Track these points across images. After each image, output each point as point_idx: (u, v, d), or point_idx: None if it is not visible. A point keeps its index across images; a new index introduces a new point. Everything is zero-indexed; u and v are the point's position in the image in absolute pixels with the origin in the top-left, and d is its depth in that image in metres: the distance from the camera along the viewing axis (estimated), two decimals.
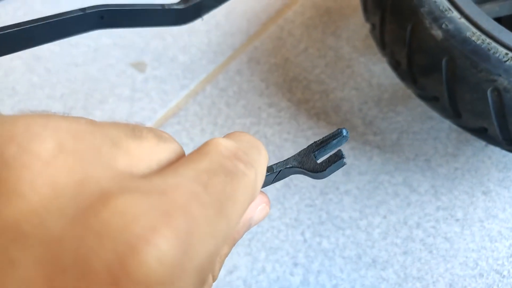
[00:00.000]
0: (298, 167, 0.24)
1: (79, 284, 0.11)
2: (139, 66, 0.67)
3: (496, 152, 0.56)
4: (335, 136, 0.24)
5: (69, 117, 0.15)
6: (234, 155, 0.17)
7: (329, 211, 0.54)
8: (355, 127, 0.59)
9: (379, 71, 0.63)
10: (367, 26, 0.55)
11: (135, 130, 0.16)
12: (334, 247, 0.52)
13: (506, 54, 0.40)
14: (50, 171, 0.13)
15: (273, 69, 0.65)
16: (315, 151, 0.24)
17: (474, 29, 0.42)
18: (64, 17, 0.31)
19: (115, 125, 0.16)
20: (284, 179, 0.25)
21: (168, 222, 0.13)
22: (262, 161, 0.20)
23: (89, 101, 0.64)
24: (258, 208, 0.23)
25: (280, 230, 0.53)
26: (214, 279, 0.20)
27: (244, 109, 0.62)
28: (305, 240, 0.52)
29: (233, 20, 0.71)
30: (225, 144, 0.18)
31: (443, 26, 0.42)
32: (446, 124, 0.58)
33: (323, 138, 0.24)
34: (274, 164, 0.24)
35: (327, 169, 0.23)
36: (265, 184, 0.24)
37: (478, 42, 0.41)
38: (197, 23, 0.70)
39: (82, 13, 0.31)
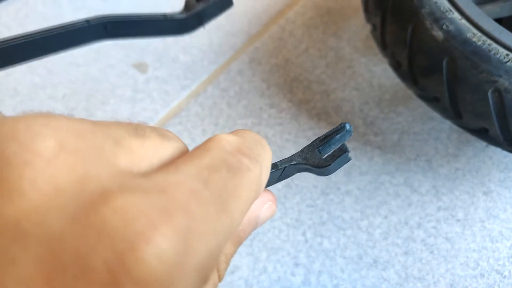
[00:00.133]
0: (303, 163, 0.24)
1: (78, 283, 0.11)
2: (141, 67, 0.67)
3: (497, 153, 0.56)
4: (338, 131, 0.24)
5: (71, 117, 0.15)
6: (238, 150, 0.17)
7: (330, 212, 0.54)
8: (356, 128, 0.59)
9: (380, 72, 0.64)
10: (368, 27, 0.55)
11: (138, 129, 0.16)
12: (335, 247, 0.52)
13: (507, 55, 0.40)
14: (51, 169, 0.13)
15: (274, 70, 0.65)
16: (319, 147, 0.24)
17: (474, 30, 0.42)
18: (69, 28, 0.31)
19: (118, 124, 0.16)
20: (286, 179, 0.25)
21: (168, 220, 0.13)
22: (267, 156, 0.20)
23: (91, 102, 0.64)
24: (264, 206, 0.23)
25: (281, 230, 0.53)
26: (220, 279, 0.20)
27: (245, 110, 0.62)
28: (306, 240, 0.52)
29: (234, 20, 0.71)
30: (229, 140, 0.17)
31: (444, 27, 0.42)
32: (447, 124, 0.58)
33: (326, 133, 0.24)
34: (278, 161, 0.24)
35: (331, 164, 0.23)
36: (270, 183, 0.24)
37: (479, 43, 0.41)
38: None
39: (86, 24, 0.32)
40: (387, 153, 0.57)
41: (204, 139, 0.67)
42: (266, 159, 0.19)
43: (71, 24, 0.31)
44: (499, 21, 0.45)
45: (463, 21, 0.42)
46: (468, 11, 0.43)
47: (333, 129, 0.24)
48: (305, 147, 0.24)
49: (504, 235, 0.52)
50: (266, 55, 0.67)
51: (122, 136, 0.15)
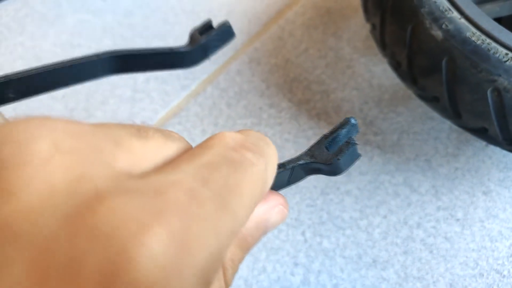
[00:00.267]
0: (311, 162, 0.23)
1: (69, 287, 0.11)
2: None
3: (497, 152, 0.56)
4: (343, 126, 0.23)
5: (70, 119, 0.15)
6: (241, 145, 0.17)
7: (329, 211, 0.54)
8: None
9: (379, 72, 0.64)
10: (367, 27, 0.55)
11: (140, 130, 0.16)
12: (334, 247, 0.52)
13: (506, 54, 0.40)
14: (46, 170, 0.13)
15: (273, 70, 0.65)
16: (326, 144, 0.23)
17: (474, 30, 0.42)
18: (78, 62, 0.32)
19: (120, 125, 0.15)
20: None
21: (161, 221, 0.12)
22: (272, 152, 0.19)
23: (90, 102, 0.64)
24: (274, 210, 0.22)
25: (281, 230, 0.53)
26: (227, 285, 0.19)
27: (245, 110, 0.62)
28: (305, 240, 0.52)
29: (233, 20, 0.71)
30: (232, 136, 0.17)
31: (443, 26, 0.42)
32: (447, 124, 0.58)
33: (331, 129, 0.23)
34: (285, 161, 0.23)
35: (340, 159, 0.22)
36: (280, 186, 0.23)
37: (478, 42, 0.41)
38: (197, 24, 0.71)
39: (96, 58, 0.32)
40: (386, 152, 0.57)
41: (203, 139, 0.67)
42: (271, 155, 0.19)
43: (80, 59, 0.32)
44: (498, 20, 0.45)
45: (463, 21, 0.42)
46: (467, 11, 0.43)
47: (338, 124, 0.23)
48: (311, 146, 0.23)
49: (503, 235, 0.52)
50: (266, 55, 0.67)
51: (123, 137, 0.15)
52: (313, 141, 0.63)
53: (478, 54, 0.41)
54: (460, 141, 0.57)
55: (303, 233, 0.53)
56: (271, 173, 0.19)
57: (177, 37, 0.70)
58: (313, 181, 0.55)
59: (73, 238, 0.12)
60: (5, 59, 0.68)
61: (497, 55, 0.40)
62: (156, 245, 0.12)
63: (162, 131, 0.17)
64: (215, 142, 0.17)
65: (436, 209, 0.53)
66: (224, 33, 0.33)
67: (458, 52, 0.42)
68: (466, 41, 0.41)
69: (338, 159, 0.22)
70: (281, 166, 0.23)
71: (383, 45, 0.50)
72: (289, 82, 0.64)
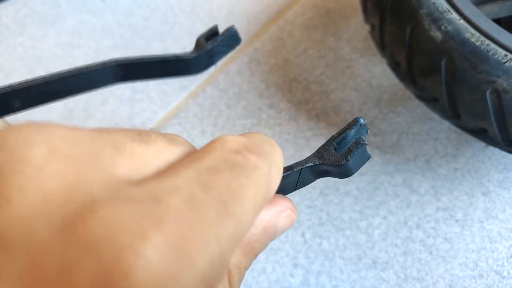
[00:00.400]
0: (319, 164, 0.22)
1: None
2: None
3: (496, 153, 0.56)
4: (352, 126, 0.22)
5: (68, 125, 0.14)
6: (244, 148, 0.16)
7: (329, 212, 0.54)
8: None
9: (379, 72, 0.64)
10: (367, 27, 0.55)
11: (142, 134, 0.15)
12: (334, 248, 0.52)
13: (506, 55, 0.40)
14: (40, 177, 0.12)
15: (273, 70, 0.65)
16: (334, 145, 0.22)
17: (473, 31, 0.42)
18: (83, 71, 0.31)
19: (121, 130, 0.15)
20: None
21: (158, 228, 0.12)
22: (276, 154, 0.18)
23: (90, 103, 0.64)
24: (282, 215, 0.21)
25: None
26: None
27: (245, 110, 0.62)
28: (305, 241, 0.52)
29: (233, 21, 0.71)
30: (234, 139, 0.17)
31: (442, 27, 0.42)
32: (446, 125, 0.58)
33: (340, 130, 0.23)
34: (293, 163, 0.22)
35: (350, 160, 0.21)
36: (288, 189, 0.23)
37: (477, 43, 0.41)
38: (197, 24, 0.71)
39: (101, 66, 0.32)
40: (386, 153, 0.57)
41: (203, 139, 0.67)
42: (276, 157, 0.18)
43: (86, 67, 0.31)
44: (497, 21, 0.45)
45: (462, 22, 0.42)
46: (466, 12, 0.43)
47: (347, 125, 0.23)
48: (319, 147, 0.23)
49: (503, 236, 0.52)
50: (265, 56, 0.67)
51: (124, 142, 0.14)
52: (312, 142, 0.64)
53: (477, 55, 0.41)
54: (459, 142, 0.57)
55: (302, 234, 0.53)
56: (276, 175, 0.18)
57: (176, 37, 0.70)
58: (313, 182, 0.55)
59: (66, 248, 0.11)
60: (5, 60, 0.68)
61: (496, 56, 0.40)
62: (152, 253, 0.11)
63: (165, 135, 0.16)
64: (217, 146, 0.16)
65: (436, 210, 0.53)
66: (230, 39, 0.33)
67: (457, 53, 0.42)
68: (465, 42, 0.41)
69: (348, 160, 0.21)
70: (288, 169, 0.22)
71: (382, 45, 0.50)
72: (289, 82, 0.64)
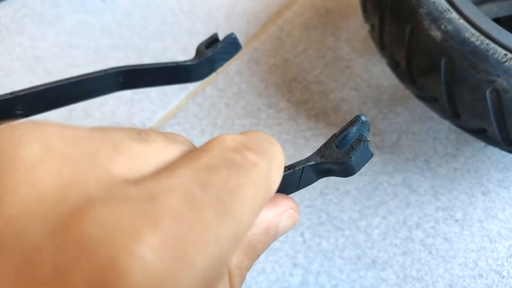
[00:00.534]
0: (321, 162, 0.22)
1: None
2: None
3: (496, 153, 0.56)
4: (354, 123, 0.22)
5: (66, 124, 0.14)
6: (243, 146, 0.16)
7: (328, 212, 0.54)
8: None
9: (378, 72, 0.63)
10: (366, 27, 0.55)
11: (142, 133, 0.15)
12: (333, 248, 0.52)
13: (505, 55, 0.40)
14: (34, 176, 0.12)
15: (272, 70, 0.65)
16: (336, 144, 0.22)
17: (473, 30, 0.42)
18: (85, 78, 0.31)
19: (120, 129, 0.15)
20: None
21: (154, 228, 0.12)
22: (276, 152, 0.18)
23: (89, 103, 0.64)
24: (284, 214, 0.20)
25: None
26: None
27: (244, 110, 0.62)
28: (304, 241, 0.52)
29: (232, 20, 0.71)
30: (232, 137, 0.16)
31: (442, 27, 0.42)
32: (446, 124, 0.58)
33: (341, 128, 0.22)
34: (295, 162, 0.22)
35: (352, 157, 0.21)
36: (290, 189, 0.22)
37: (477, 43, 0.41)
38: (196, 24, 0.70)
39: (103, 74, 0.32)
40: (385, 153, 0.57)
41: (202, 139, 0.67)
42: (276, 155, 0.18)
43: (88, 74, 0.31)
44: (497, 20, 0.45)
45: (461, 21, 0.42)
46: (466, 11, 0.43)
47: (348, 122, 0.22)
48: (321, 146, 0.22)
49: (502, 235, 0.51)
50: (265, 55, 0.67)
51: (123, 140, 0.14)
52: (312, 141, 0.63)
53: (477, 55, 0.41)
54: (459, 141, 0.57)
55: (302, 234, 0.53)
56: (276, 174, 0.18)
57: (175, 37, 0.70)
58: None
59: (60, 248, 0.11)
60: (4, 59, 0.68)
61: (496, 55, 0.40)
62: (148, 254, 0.11)
63: (165, 134, 0.16)
64: (215, 145, 0.16)
65: (435, 210, 0.53)
66: (230, 46, 0.33)
67: (457, 53, 0.41)
68: (465, 42, 0.41)
69: (350, 157, 0.21)
70: (289, 167, 0.21)
71: (381, 45, 0.50)
72: (288, 82, 0.64)
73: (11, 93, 0.31)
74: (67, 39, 0.70)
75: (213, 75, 0.35)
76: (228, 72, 0.65)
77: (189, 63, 0.33)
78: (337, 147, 0.22)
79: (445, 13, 0.43)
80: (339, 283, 0.50)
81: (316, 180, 0.23)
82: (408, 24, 0.45)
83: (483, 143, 0.56)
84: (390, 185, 0.55)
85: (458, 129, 0.49)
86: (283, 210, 0.20)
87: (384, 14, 0.48)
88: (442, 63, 0.42)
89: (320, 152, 0.22)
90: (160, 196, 0.13)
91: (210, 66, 0.33)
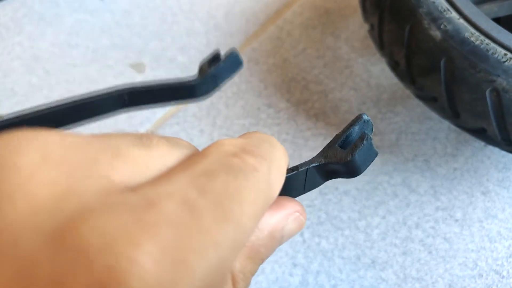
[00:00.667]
0: (325, 163, 0.21)
1: None
2: (138, 67, 0.67)
3: (495, 152, 0.56)
4: (356, 123, 0.22)
5: (64, 132, 0.14)
6: (242, 150, 0.16)
7: (328, 212, 0.54)
8: None
9: (378, 72, 0.63)
10: (366, 27, 0.55)
11: (143, 138, 0.15)
12: (333, 248, 0.52)
13: (505, 54, 0.40)
14: (31, 185, 0.12)
15: (272, 70, 0.65)
16: (339, 144, 0.22)
17: (472, 30, 0.42)
18: (88, 100, 0.32)
19: (120, 135, 0.15)
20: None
21: (152, 236, 0.11)
22: (277, 154, 0.18)
23: None
24: (290, 218, 0.20)
25: None
26: None
27: (243, 110, 0.62)
28: (304, 241, 0.52)
29: (231, 20, 0.71)
30: (231, 142, 0.16)
31: (442, 26, 0.42)
32: (445, 124, 0.58)
33: (344, 128, 0.22)
34: (298, 164, 0.21)
35: (356, 155, 0.20)
36: (296, 192, 0.22)
37: (477, 42, 0.41)
38: (196, 24, 0.70)
39: (107, 95, 0.32)
40: (385, 153, 0.57)
41: (201, 139, 0.67)
42: (277, 157, 0.18)
43: (93, 94, 0.32)
44: (497, 20, 0.45)
45: (461, 21, 0.42)
46: (466, 11, 0.42)
47: (350, 121, 0.22)
48: (324, 147, 0.22)
49: (502, 235, 0.51)
50: (264, 55, 0.66)
51: (123, 146, 0.14)
52: (311, 141, 0.63)
53: (477, 55, 0.41)
54: (458, 141, 0.57)
55: (301, 234, 0.52)
56: (277, 176, 0.17)
57: (175, 37, 0.69)
58: None
59: (55, 258, 0.11)
60: (3, 59, 0.68)
61: (496, 55, 0.40)
62: (146, 262, 0.11)
63: (167, 139, 0.16)
64: (213, 149, 0.16)
65: (435, 210, 0.53)
66: (232, 62, 0.33)
67: (457, 52, 0.41)
68: (464, 42, 0.41)
69: (354, 155, 0.20)
70: (293, 169, 0.21)
71: (381, 45, 0.50)
72: (287, 82, 0.64)
73: (17, 117, 0.31)
74: (66, 39, 0.70)
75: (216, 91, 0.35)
76: None
77: (192, 81, 0.33)
78: (340, 147, 0.22)
79: (444, 13, 0.43)
80: (338, 283, 0.50)
81: (323, 183, 0.23)
82: (407, 24, 0.44)
83: (482, 143, 0.56)
84: (390, 185, 0.55)
85: (457, 129, 0.49)
86: (289, 213, 0.20)
87: (384, 13, 0.47)
88: (442, 62, 0.42)
89: (323, 153, 0.22)
90: (157, 203, 0.12)
91: (213, 83, 0.34)
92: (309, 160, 0.21)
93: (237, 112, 0.62)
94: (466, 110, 0.44)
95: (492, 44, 0.41)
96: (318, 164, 0.21)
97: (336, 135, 0.22)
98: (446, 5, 0.43)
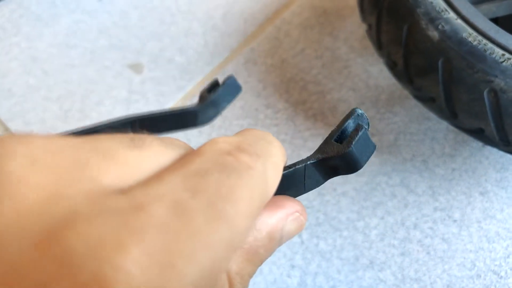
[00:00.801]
0: (323, 158, 0.21)
1: None
2: (136, 68, 0.67)
3: (493, 153, 0.56)
4: (350, 117, 0.22)
5: (53, 135, 0.13)
6: (236, 148, 0.15)
7: (326, 213, 0.54)
8: None
9: (376, 72, 0.63)
10: (364, 27, 0.55)
11: (135, 139, 0.14)
12: (331, 249, 0.52)
13: (503, 55, 0.40)
14: (18, 190, 0.12)
15: (270, 70, 0.65)
16: (335, 139, 0.21)
17: (470, 30, 0.42)
18: (93, 130, 0.32)
19: (111, 137, 0.14)
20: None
21: (139, 240, 0.11)
22: (274, 151, 0.18)
23: (86, 103, 0.64)
24: (289, 218, 0.19)
25: None
26: None
27: (242, 110, 0.62)
28: (302, 242, 0.52)
29: (230, 21, 0.71)
30: (225, 140, 0.16)
31: (440, 27, 0.42)
32: (443, 124, 0.58)
33: (339, 123, 0.22)
34: (295, 162, 0.21)
35: (353, 147, 0.20)
36: (296, 192, 0.22)
37: (475, 43, 0.41)
38: (194, 24, 0.70)
39: (112, 125, 0.32)
40: (383, 153, 0.57)
41: (200, 140, 0.67)
42: (273, 154, 0.17)
43: (98, 126, 0.32)
44: (495, 20, 0.45)
45: (459, 21, 0.42)
46: (464, 11, 0.42)
47: (345, 116, 0.22)
48: (321, 144, 0.22)
49: (500, 236, 0.51)
50: (262, 56, 0.66)
51: (115, 148, 0.14)
52: (310, 142, 0.63)
53: (475, 55, 0.41)
54: (457, 141, 0.57)
55: (299, 235, 0.52)
56: (274, 173, 0.17)
57: (173, 37, 0.69)
58: None
59: (40, 264, 0.11)
60: (1, 60, 0.68)
61: (494, 55, 0.40)
62: (132, 267, 0.11)
63: (161, 139, 0.15)
64: (207, 148, 0.15)
65: (433, 210, 0.53)
66: (231, 87, 0.34)
67: (455, 53, 0.41)
68: (462, 42, 0.41)
69: (350, 147, 0.20)
70: (291, 166, 0.21)
71: (379, 45, 0.50)
72: (286, 82, 0.64)
73: None
74: (64, 39, 0.70)
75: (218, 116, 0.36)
76: (225, 73, 0.65)
77: (193, 109, 0.34)
78: (336, 142, 0.21)
79: (442, 13, 0.43)
80: (337, 284, 0.50)
81: (324, 181, 0.22)
82: (405, 24, 0.44)
83: (480, 143, 0.56)
84: (388, 185, 0.55)
85: (456, 129, 0.49)
86: (288, 213, 0.19)
87: (382, 13, 0.47)
88: (440, 63, 0.42)
89: (320, 149, 0.21)
90: (147, 205, 0.12)
91: (214, 109, 0.35)
92: (307, 157, 0.21)
93: (236, 112, 0.62)
94: (464, 111, 0.44)
95: (490, 45, 0.41)
96: (315, 160, 0.21)
97: (332, 131, 0.22)
98: (444, 5, 0.43)
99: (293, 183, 0.21)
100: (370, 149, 0.21)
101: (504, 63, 0.40)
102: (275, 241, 0.19)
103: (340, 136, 0.22)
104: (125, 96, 0.64)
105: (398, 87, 0.60)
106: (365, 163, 0.21)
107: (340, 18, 0.69)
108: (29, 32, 0.71)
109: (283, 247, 0.52)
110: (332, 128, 0.22)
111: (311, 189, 0.22)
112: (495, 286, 0.49)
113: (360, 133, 0.21)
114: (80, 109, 0.63)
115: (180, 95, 0.64)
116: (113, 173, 0.13)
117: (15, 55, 0.68)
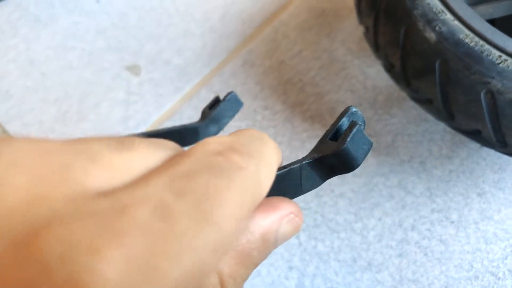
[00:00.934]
0: (318, 157, 0.21)
1: None
2: (134, 69, 0.67)
3: (491, 154, 0.56)
4: (344, 114, 0.22)
5: (37, 138, 0.13)
6: (228, 148, 0.15)
7: (324, 214, 0.54)
8: None
9: (374, 74, 0.63)
10: (361, 29, 0.55)
11: (123, 142, 0.14)
12: (329, 250, 0.52)
13: (500, 56, 0.40)
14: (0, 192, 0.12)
15: (267, 72, 0.65)
16: (330, 138, 0.21)
17: (467, 31, 0.42)
18: None
19: (98, 139, 0.14)
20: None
21: (118, 243, 0.11)
22: (268, 151, 0.17)
23: (83, 105, 0.64)
24: (284, 220, 0.19)
25: None
26: None
27: (239, 112, 0.62)
28: (300, 244, 0.52)
29: (227, 22, 0.71)
30: (217, 140, 0.15)
31: (436, 28, 0.42)
32: (441, 126, 0.58)
33: (333, 122, 0.22)
34: (290, 162, 0.21)
35: (347, 143, 0.20)
36: (293, 192, 0.21)
37: (472, 44, 0.41)
38: (192, 26, 0.70)
39: None
40: (380, 155, 0.57)
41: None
42: (266, 154, 0.17)
43: None
44: (492, 22, 0.45)
45: (456, 23, 0.42)
46: (460, 12, 0.42)
47: (339, 115, 0.22)
48: (316, 143, 0.21)
49: (498, 237, 0.51)
50: (260, 57, 0.66)
51: (101, 151, 0.13)
52: (307, 143, 0.63)
53: (472, 56, 0.41)
54: (454, 143, 0.57)
55: (297, 237, 0.52)
56: (267, 174, 0.16)
57: (171, 39, 0.69)
58: None
59: (18, 269, 0.11)
60: None
61: (491, 57, 0.40)
62: (109, 271, 0.11)
63: (150, 141, 0.15)
64: (197, 149, 0.15)
65: (431, 211, 0.53)
66: (231, 103, 0.35)
67: (451, 54, 0.41)
68: (459, 43, 0.41)
69: (345, 143, 0.20)
70: (286, 166, 0.20)
71: (376, 47, 0.50)
72: (283, 84, 0.64)
73: None
74: (62, 41, 0.70)
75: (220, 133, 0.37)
76: (223, 74, 0.65)
77: (195, 125, 0.34)
78: (332, 140, 0.21)
79: (439, 15, 0.43)
80: (334, 286, 0.50)
81: (321, 182, 0.22)
82: (402, 26, 0.44)
83: (478, 145, 0.56)
84: (386, 186, 0.55)
85: (453, 131, 0.49)
86: (283, 215, 0.19)
87: (379, 15, 0.47)
88: (437, 64, 0.42)
89: (316, 149, 0.21)
90: (129, 208, 0.12)
91: (216, 125, 0.35)
92: (302, 158, 0.21)
93: None
94: (461, 112, 0.44)
95: (487, 46, 0.41)
96: (311, 160, 0.21)
97: (327, 130, 0.22)
98: (440, 6, 0.43)
99: (288, 183, 0.21)
100: (366, 146, 0.21)
101: (501, 65, 0.40)
102: (269, 243, 0.18)
103: (335, 135, 0.22)
104: (123, 98, 0.64)
105: (396, 89, 0.60)
106: (362, 160, 0.21)
107: (338, 19, 0.69)
108: (27, 34, 0.71)
109: (281, 249, 0.52)
110: None
111: (309, 190, 0.22)
112: (493, 287, 0.49)
113: (354, 130, 0.20)
114: (78, 111, 0.63)
115: (178, 97, 0.64)
116: (99, 175, 0.13)
117: (13, 57, 0.68)
